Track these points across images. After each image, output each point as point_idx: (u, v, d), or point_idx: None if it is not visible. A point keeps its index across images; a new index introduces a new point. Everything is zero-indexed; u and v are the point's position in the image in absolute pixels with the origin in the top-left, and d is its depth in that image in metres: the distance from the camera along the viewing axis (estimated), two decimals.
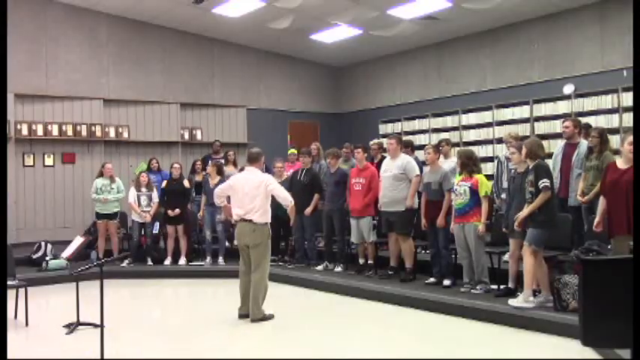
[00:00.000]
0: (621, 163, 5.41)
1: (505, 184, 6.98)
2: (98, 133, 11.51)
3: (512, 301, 5.82)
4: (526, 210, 5.75)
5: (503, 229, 6.30)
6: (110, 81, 11.82)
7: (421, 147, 9.52)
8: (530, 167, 5.85)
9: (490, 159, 10.49)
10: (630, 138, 5.22)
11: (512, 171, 6.59)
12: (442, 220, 6.94)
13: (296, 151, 10.15)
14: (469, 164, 6.62)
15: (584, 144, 6.95)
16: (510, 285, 6.30)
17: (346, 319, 6.36)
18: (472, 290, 6.55)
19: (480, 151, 10.46)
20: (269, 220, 6.20)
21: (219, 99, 13.04)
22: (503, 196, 6.58)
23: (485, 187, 6.52)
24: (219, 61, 13.04)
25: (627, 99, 9.09)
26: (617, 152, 6.51)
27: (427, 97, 12.46)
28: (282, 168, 9.18)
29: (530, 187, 5.78)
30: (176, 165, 9.52)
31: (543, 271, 5.83)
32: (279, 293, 7.35)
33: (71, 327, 5.86)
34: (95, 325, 5.61)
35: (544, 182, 5.69)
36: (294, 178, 8.83)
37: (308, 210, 8.51)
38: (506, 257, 6.53)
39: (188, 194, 9.55)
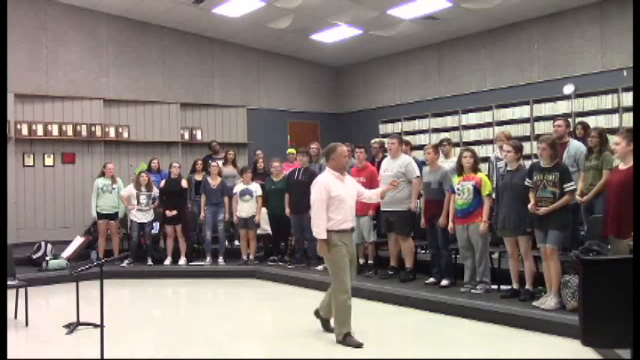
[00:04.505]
0: (622, 164, 5.41)
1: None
2: (98, 133, 11.50)
3: (541, 304, 5.77)
4: (550, 207, 5.65)
5: (497, 232, 6.30)
6: (110, 81, 11.82)
7: (421, 147, 9.52)
8: (552, 166, 5.78)
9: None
10: (616, 138, 5.29)
11: (502, 169, 6.57)
12: (444, 220, 6.92)
13: (294, 151, 10.15)
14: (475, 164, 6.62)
15: (573, 144, 6.97)
16: (515, 286, 6.28)
17: None
18: (472, 290, 6.55)
19: (480, 151, 10.44)
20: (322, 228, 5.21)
21: (219, 99, 13.04)
22: (493, 195, 6.58)
23: (488, 187, 6.51)
24: (219, 61, 13.04)
25: (627, 99, 9.09)
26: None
27: (427, 97, 12.45)
28: (279, 167, 9.19)
29: (551, 187, 5.72)
30: (175, 164, 9.53)
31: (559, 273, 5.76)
32: (279, 293, 7.36)
33: (71, 327, 5.86)
34: (95, 325, 5.61)
35: (572, 186, 5.72)
36: (290, 178, 8.83)
37: None
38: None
39: (185, 194, 9.54)
